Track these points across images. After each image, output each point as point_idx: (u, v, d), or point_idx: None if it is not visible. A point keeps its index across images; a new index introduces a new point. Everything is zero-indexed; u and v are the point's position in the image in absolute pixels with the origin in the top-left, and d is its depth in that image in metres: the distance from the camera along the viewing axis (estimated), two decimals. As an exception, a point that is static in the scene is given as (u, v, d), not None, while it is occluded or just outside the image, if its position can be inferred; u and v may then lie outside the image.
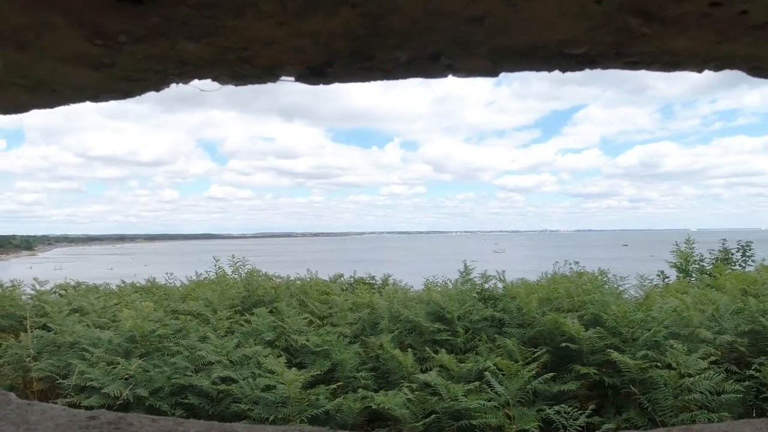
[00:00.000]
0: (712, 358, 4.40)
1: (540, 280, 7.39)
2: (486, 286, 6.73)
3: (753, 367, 4.50)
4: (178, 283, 9.35)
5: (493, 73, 1.06)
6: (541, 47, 0.97)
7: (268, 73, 1.04)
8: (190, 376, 4.81)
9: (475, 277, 6.87)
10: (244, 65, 1.00)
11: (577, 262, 8.80)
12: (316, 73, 1.02)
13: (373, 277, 9.73)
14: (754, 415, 4.33)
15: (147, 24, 0.88)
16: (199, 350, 5.03)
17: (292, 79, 1.04)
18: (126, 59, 1.00)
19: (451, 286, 7.06)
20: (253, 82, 1.07)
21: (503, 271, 7.14)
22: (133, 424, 1.32)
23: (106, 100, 1.29)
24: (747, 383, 4.37)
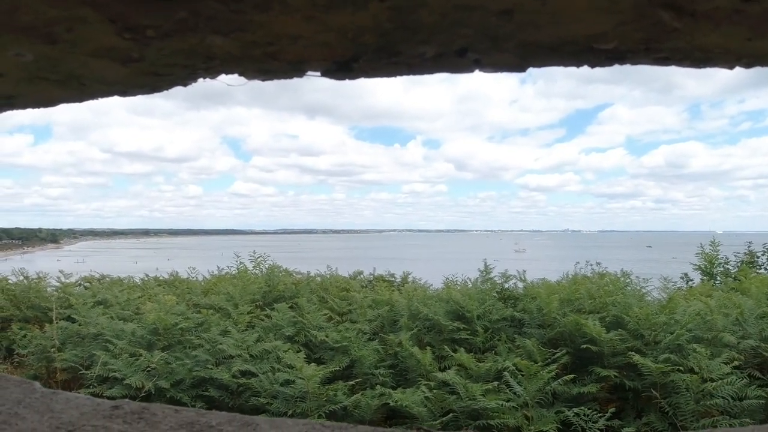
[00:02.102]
0: (735, 363, 4.32)
1: (561, 281, 7.32)
2: (506, 285, 6.68)
3: (776, 373, 4.41)
4: (200, 278, 9.44)
5: (520, 68, 1.05)
6: (570, 42, 0.96)
7: (294, 68, 1.04)
8: (211, 369, 4.86)
9: (495, 277, 6.82)
10: (271, 60, 1.01)
11: (599, 263, 8.70)
12: (342, 68, 1.02)
13: (392, 275, 9.73)
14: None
15: (175, 18, 0.89)
16: (220, 344, 5.09)
17: (318, 74, 1.04)
18: (154, 54, 1.01)
19: (470, 285, 7.03)
20: (279, 77, 1.08)
21: (524, 271, 7.08)
22: (156, 414, 1.34)
23: (134, 94, 1.30)
24: (770, 389, 4.28)
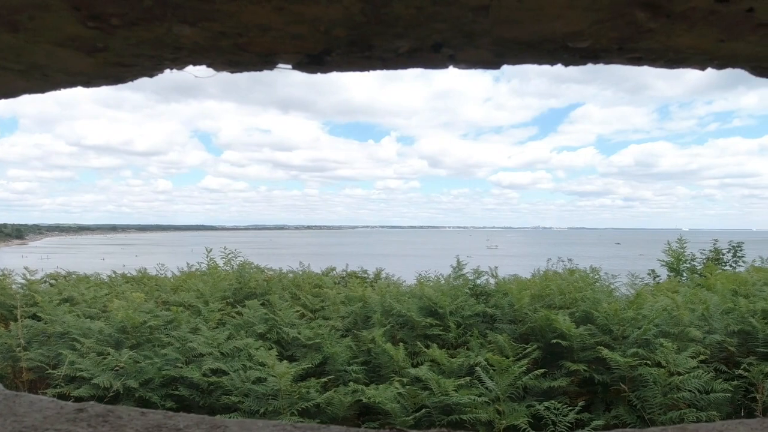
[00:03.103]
0: (702, 357, 4.43)
1: (533, 277, 7.42)
2: (478, 281, 6.73)
3: (742, 367, 4.53)
4: (169, 275, 9.31)
5: (494, 65, 1.05)
6: (545, 39, 0.96)
7: (264, 61, 1.01)
8: (181, 367, 4.79)
9: (467, 273, 6.88)
10: (240, 52, 0.98)
11: (570, 260, 8.84)
12: (314, 61, 1.00)
13: (365, 271, 9.74)
14: (742, 414, 4.36)
15: (141, 6, 0.86)
16: (190, 342, 5.02)
17: (290, 66, 1.02)
18: (119, 43, 0.98)
19: (443, 281, 7.07)
20: (248, 69, 1.05)
21: (496, 267, 7.16)
22: (122, 417, 1.30)
23: (99, 85, 1.26)
24: (736, 383, 4.40)
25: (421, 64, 1.03)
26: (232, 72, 1.06)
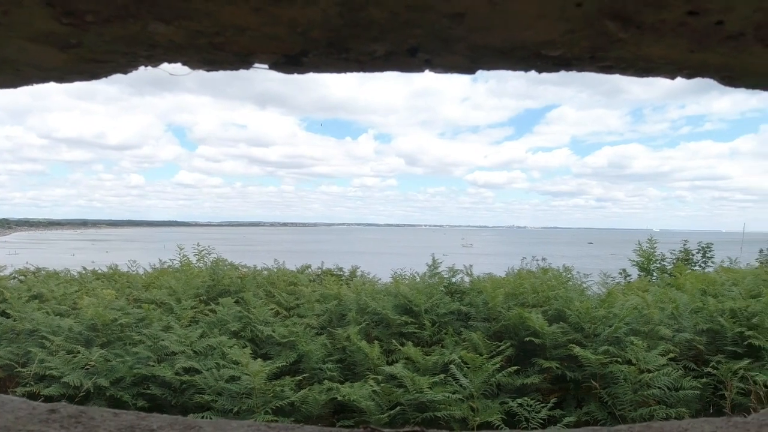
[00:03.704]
0: (671, 355, 4.54)
1: (507, 275, 7.50)
2: (453, 280, 6.78)
3: (710, 365, 4.65)
4: (141, 271, 9.19)
5: (470, 70, 1.07)
6: (519, 47, 0.98)
7: (240, 60, 1.02)
8: (153, 366, 4.73)
9: (442, 271, 6.92)
10: (216, 51, 0.98)
11: (543, 259, 8.95)
12: (291, 61, 1.01)
13: (341, 269, 9.73)
14: (711, 411, 4.48)
15: (116, 3, 0.85)
16: (162, 340, 4.95)
17: (266, 66, 1.02)
18: (94, 40, 0.97)
19: (419, 280, 7.11)
20: (224, 68, 1.05)
21: (470, 266, 7.22)
22: (95, 417, 1.29)
23: (72, 81, 1.25)
24: (704, 380, 4.52)
25: (398, 67, 1.04)
26: (207, 70, 1.06)
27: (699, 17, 0.86)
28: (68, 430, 1.22)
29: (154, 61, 1.04)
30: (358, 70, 1.05)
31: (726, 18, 0.86)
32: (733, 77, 1.13)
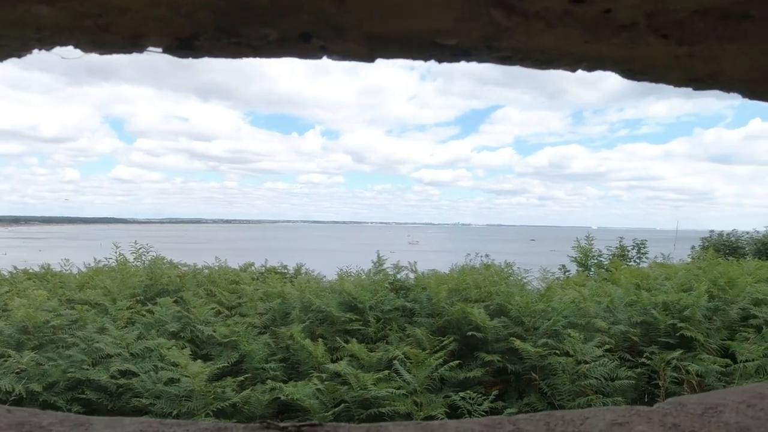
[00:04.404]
0: (607, 347, 4.71)
1: (450, 272, 7.60)
2: (398, 276, 6.81)
3: (644, 356, 4.86)
4: (75, 271, 8.84)
5: (368, 58, 1.06)
6: (413, 36, 0.98)
7: (131, 43, 0.99)
8: (87, 369, 4.53)
9: (387, 268, 6.94)
10: (104, 33, 0.95)
11: (487, 255, 9.12)
12: (183, 45, 0.98)
13: (285, 267, 9.62)
14: (646, 399, 4.67)
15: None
16: (97, 342, 4.75)
17: (160, 50, 1.00)
18: (-18, 24, 0.92)
19: (364, 277, 7.10)
20: (116, 52, 1.03)
21: (415, 262, 7.27)
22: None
23: (-35, 65, 1.17)
24: (639, 370, 4.72)
25: (294, 53, 1.03)
26: (100, 53, 1.03)
27: (584, 5, 0.85)
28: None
29: (45, 44, 1.00)
30: (253, 56, 1.03)
31: (614, 6, 0.86)
32: (633, 70, 1.14)
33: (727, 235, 17.38)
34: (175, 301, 5.92)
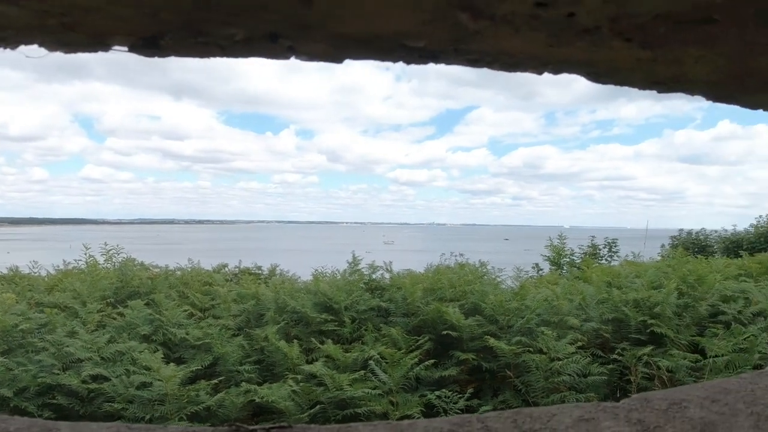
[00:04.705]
0: (579, 344, 4.79)
1: (425, 271, 7.63)
2: (373, 276, 6.81)
3: (616, 352, 4.95)
4: (43, 273, 8.65)
5: (336, 59, 1.06)
6: (380, 37, 0.98)
7: (96, 42, 0.98)
8: (58, 374, 4.44)
9: (363, 268, 6.94)
10: (68, 32, 0.94)
11: (461, 254, 9.18)
12: (148, 44, 0.97)
13: (259, 268, 9.54)
14: (618, 395, 4.75)
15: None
16: (67, 346, 4.65)
17: (125, 49, 0.99)
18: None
19: (339, 277, 7.08)
20: (81, 50, 1.02)
21: (390, 262, 7.28)
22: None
23: (-68, 64, 1.14)
24: (611, 366, 4.81)
25: (261, 53, 1.03)
26: (65, 52, 1.02)
27: (548, 9, 0.87)
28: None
29: (9, 43, 0.98)
30: (221, 55, 1.03)
31: (576, 10, 0.88)
32: (598, 74, 1.16)
33: (696, 233, 17.78)
34: (147, 304, 5.82)
